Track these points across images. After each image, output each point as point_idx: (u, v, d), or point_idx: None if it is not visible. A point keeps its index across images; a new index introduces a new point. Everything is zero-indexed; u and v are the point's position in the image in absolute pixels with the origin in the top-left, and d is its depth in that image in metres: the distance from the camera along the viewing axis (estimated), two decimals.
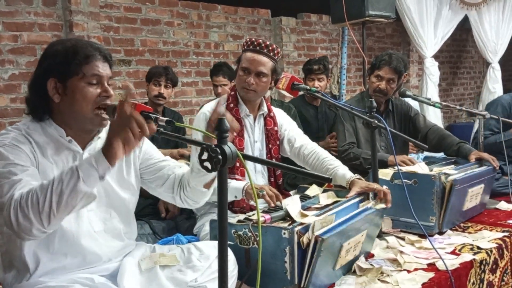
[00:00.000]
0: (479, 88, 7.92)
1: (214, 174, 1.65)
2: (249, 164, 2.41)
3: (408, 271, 2.02)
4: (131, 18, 4.67)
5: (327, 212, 1.95)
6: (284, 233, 1.73)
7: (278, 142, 2.49)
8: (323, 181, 1.67)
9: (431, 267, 2.07)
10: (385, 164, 2.70)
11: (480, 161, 2.79)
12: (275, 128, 2.48)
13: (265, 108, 2.47)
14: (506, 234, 2.43)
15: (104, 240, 1.63)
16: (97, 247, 1.61)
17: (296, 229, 1.74)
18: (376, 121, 2.28)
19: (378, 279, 1.95)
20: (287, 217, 1.89)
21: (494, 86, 6.33)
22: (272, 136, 2.46)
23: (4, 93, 3.96)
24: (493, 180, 2.88)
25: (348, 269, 2.03)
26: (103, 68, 1.55)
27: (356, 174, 2.27)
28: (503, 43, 6.35)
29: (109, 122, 1.55)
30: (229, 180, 2.20)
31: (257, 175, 2.45)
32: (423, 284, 1.92)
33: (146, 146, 1.78)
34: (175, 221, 2.86)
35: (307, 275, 1.75)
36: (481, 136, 3.03)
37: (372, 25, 6.43)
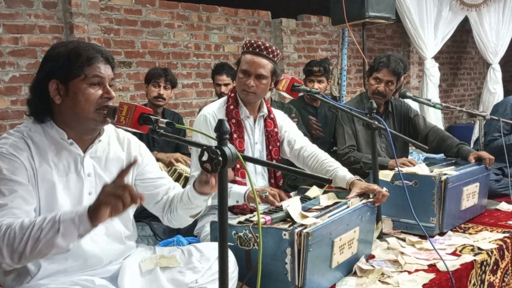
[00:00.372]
0: (480, 89, 7.93)
1: (201, 208, 1.72)
2: (250, 166, 2.41)
3: (409, 272, 2.02)
4: (131, 20, 4.68)
5: (327, 213, 1.95)
6: (285, 235, 1.73)
7: (278, 144, 2.49)
8: (323, 182, 1.67)
9: (432, 268, 2.07)
10: (385, 168, 2.70)
11: (480, 161, 2.79)
12: (275, 130, 2.48)
13: (265, 110, 2.47)
14: (507, 235, 2.43)
15: (105, 243, 1.64)
16: (98, 250, 1.61)
17: (297, 230, 1.74)
18: (376, 122, 2.28)
19: (379, 280, 1.96)
20: (287, 218, 1.89)
21: (494, 87, 6.33)
22: (272, 138, 2.46)
23: (5, 95, 3.97)
24: (488, 179, 2.88)
25: (349, 270, 2.03)
26: (105, 70, 1.56)
27: (356, 176, 2.27)
28: (503, 44, 6.34)
29: (110, 121, 1.56)
30: (230, 185, 2.21)
31: (258, 176, 2.45)
32: (424, 285, 1.92)
33: (148, 160, 1.78)
34: None
35: (300, 272, 1.74)
36: (482, 137, 3.03)
37: (372, 27, 6.43)
